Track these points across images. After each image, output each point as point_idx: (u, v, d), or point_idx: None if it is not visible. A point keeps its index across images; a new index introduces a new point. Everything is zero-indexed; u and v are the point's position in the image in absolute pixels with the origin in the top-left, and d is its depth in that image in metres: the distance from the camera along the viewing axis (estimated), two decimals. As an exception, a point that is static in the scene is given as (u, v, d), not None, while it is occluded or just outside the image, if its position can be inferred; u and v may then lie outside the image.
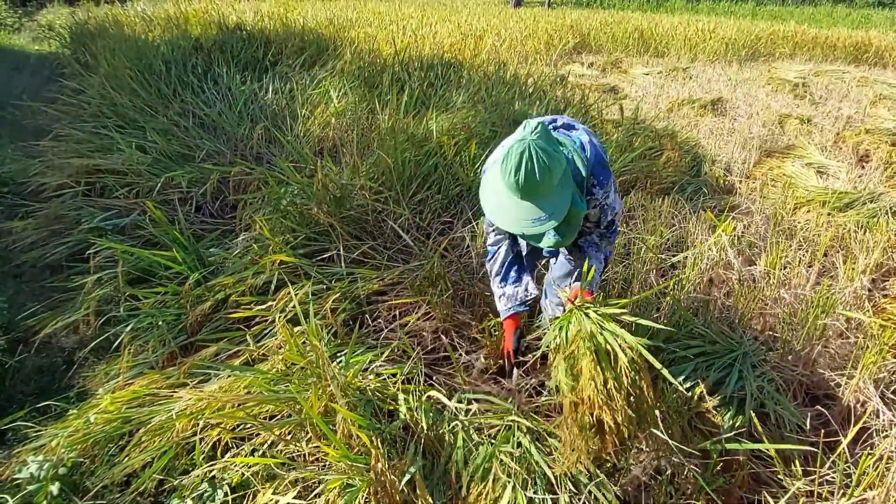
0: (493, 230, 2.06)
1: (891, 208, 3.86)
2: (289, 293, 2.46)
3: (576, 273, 2.07)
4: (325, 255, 2.85)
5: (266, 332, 2.42)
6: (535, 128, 1.56)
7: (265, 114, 4.45)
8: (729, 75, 9.08)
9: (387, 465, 1.53)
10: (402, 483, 1.53)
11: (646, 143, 4.50)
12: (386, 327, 2.50)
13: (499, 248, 2.08)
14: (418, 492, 1.55)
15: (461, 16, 10.87)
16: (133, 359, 2.37)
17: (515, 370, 2.14)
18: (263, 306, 2.48)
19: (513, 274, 2.08)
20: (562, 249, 2.15)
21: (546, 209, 1.57)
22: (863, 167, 5.11)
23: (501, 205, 1.61)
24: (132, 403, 2.07)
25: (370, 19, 8.31)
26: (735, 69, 9.88)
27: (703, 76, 8.93)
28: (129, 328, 2.45)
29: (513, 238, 2.10)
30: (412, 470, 1.58)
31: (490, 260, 2.10)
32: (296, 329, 2.10)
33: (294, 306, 2.36)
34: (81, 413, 2.00)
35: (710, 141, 5.37)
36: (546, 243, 1.78)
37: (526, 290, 2.06)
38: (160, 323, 2.45)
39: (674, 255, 2.99)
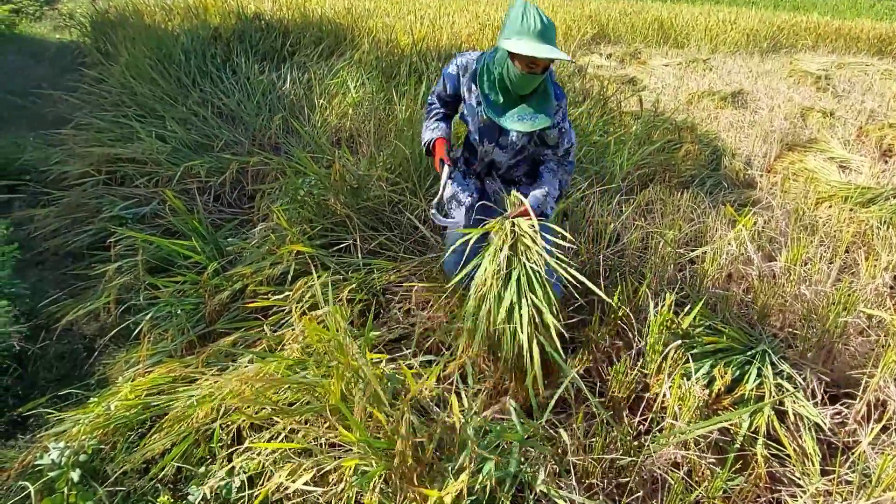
0: (431, 98, 2.34)
1: (915, 204, 3.79)
2: (306, 283, 2.47)
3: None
4: (341, 246, 2.87)
5: (283, 321, 2.44)
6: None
7: (283, 104, 4.46)
8: (750, 67, 8.94)
9: (408, 444, 1.53)
10: (430, 451, 1.55)
11: (665, 136, 4.46)
12: (402, 318, 2.51)
13: (432, 106, 2.34)
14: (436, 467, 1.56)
15: (479, 5, 10.78)
16: (152, 347, 2.40)
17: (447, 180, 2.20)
18: (281, 296, 2.50)
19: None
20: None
21: (557, 48, 1.86)
22: (886, 162, 5.01)
23: (537, 48, 1.84)
24: (152, 391, 2.10)
25: (388, 9, 8.27)
26: (756, 61, 9.73)
27: (724, 68, 8.80)
28: (148, 317, 2.48)
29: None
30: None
31: (427, 112, 2.35)
32: (315, 313, 2.12)
33: (312, 295, 2.39)
34: (102, 400, 2.03)
35: (730, 134, 5.30)
36: (535, 125, 2.01)
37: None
38: (179, 312, 2.48)
39: (692, 250, 2.96)
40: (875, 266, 3.05)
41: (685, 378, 2.02)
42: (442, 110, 2.34)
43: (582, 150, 3.83)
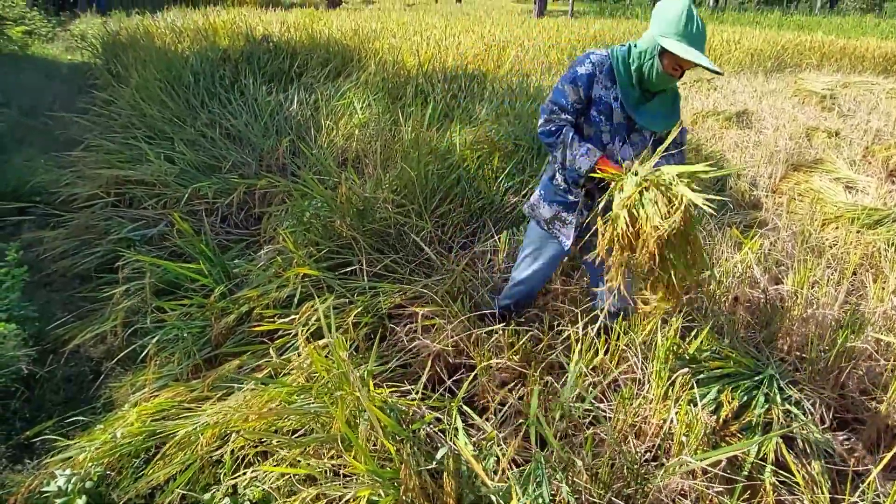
0: (554, 116, 2.10)
1: (923, 226, 3.78)
2: (312, 306, 2.48)
3: None
4: (347, 269, 2.87)
5: (289, 345, 2.44)
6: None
7: (290, 125, 4.51)
8: (754, 87, 8.97)
9: (415, 472, 1.53)
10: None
11: (670, 157, 4.46)
12: (408, 343, 2.50)
13: (563, 127, 2.09)
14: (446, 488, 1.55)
15: (484, 26, 10.90)
16: (159, 370, 2.41)
17: None
18: (286, 319, 2.50)
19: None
20: None
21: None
22: (893, 182, 5.00)
23: (698, 55, 1.83)
24: (157, 416, 2.10)
25: (394, 30, 8.39)
26: (761, 80, 9.76)
27: (728, 87, 8.83)
28: (155, 340, 2.49)
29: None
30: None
31: (555, 134, 2.09)
32: (319, 342, 2.12)
33: (317, 319, 2.38)
34: (108, 427, 2.03)
35: (735, 154, 5.31)
36: (668, 125, 2.04)
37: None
38: (186, 335, 2.49)
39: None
40: (883, 289, 3.03)
41: (692, 404, 2.01)
42: (573, 131, 2.09)
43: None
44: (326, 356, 2.05)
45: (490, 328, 2.39)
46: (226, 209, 3.56)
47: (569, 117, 2.08)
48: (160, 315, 2.62)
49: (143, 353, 2.48)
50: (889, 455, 1.87)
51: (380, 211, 3.17)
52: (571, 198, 2.22)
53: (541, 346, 2.38)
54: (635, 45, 2.00)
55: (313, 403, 1.86)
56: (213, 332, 2.50)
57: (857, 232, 3.68)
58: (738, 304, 2.87)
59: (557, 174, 2.24)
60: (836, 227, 3.84)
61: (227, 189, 3.64)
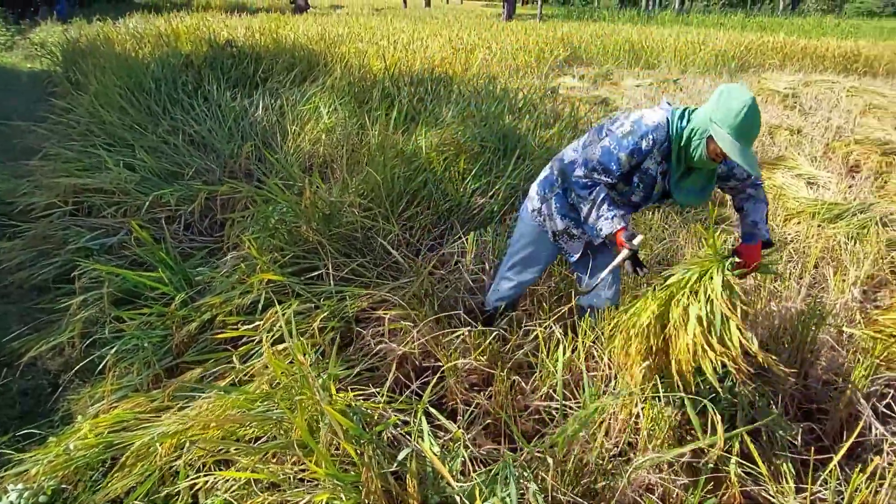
0: (596, 175, 2.07)
1: (881, 219, 3.87)
2: (276, 312, 2.43)
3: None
4: (313, 274, 2.83)
5: (253, 352, 2.40)
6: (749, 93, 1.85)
7: (255, 130, 4.46)
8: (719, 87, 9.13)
9: (377, 475, 1.50)
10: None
11: (636, 156, 4.51)
12: (375, 346, 2.47)
13: (598, 184, 2.08)
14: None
15: (452, 30, 10.95)
16: (118, 381, 2.34)
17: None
18: (250, 326, 2.46)
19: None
20: None
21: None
22: (853, 177, 5.13)
23: (749, 155, 1.85)
24: (116, 428, 2.04)
25: (361, 34, 8.36)
26: (725, 80, 9.95)
27: (694, 88, 8.99)
28: (113, 350, 2.43)
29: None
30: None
31: (589, 188, 2.07)
32: (281, 347, 2.08)
33: (280, 327, 2.34)
34: (62, 440, 1.96)
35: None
36: (702, 200, 2.13)
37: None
38: (145, 345, 2.43)
39: (664, 269, 2.98)
40: (844, 281, 3.09)
41: (658, 399, 2.02)
42: (606, 191, 2.08)
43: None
44: (290, 362, 2.02)
45: (456, 330, 2.38)
46: (189, 216, 3.50)
47: (609, 181, 2.07)
48: (119, 325, 2.56)
49: (102, 364, 2.41)
50: (849, 443, 1.90)
51: (346, 215, 3.14)
52: None
53: (508, 345, 2.37)
54: (689, 119, 1.97)
55: (276, 409, 1.82)
56: (173, 340, 2.44)
57: (819, 226, 3.76)
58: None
59: (573, 192, 2.23)
60: (798, 222, 3.92)
61: (190, 196, 3.57)
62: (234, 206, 3.51)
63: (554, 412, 2.17)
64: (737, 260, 2.03)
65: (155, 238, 3.01)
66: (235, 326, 2.48)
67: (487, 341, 2.31)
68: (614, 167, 2.03)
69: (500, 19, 21.64)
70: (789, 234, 3.69)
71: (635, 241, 2.00)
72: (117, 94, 4.69)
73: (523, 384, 2.28)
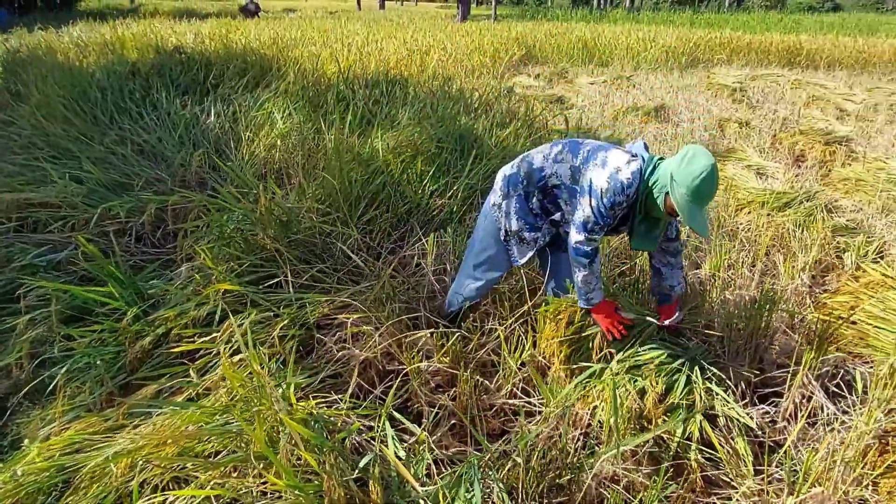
0: (594, 235, 2.15)
1: (826, 206, 4.02)
2: (235, 322, 2.38)
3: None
4: (272, 282, 2.78)
5: (211, 364, 2.34)
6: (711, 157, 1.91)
7: (207, 138, 4.36)
8: (670, 82, 9.36)
9: (339, 483, 1.48)
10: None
11: (592, 153, 4.57)
12: (337, 352, 2.44)
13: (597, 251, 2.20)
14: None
15: (407, 31, 10.93)
16: (69, 402, 2.26)
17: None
18: (207, 338, 2.40)
19: None
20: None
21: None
22: (799, 167, 5.30)
23: (703, 217, 1.94)
24: (68, 450, 1.96)
25: (315, 38, 8.26)
26: (676, 76, 10.19)
27: (646, 84, 9.18)
28: (64, 370, 2.33)
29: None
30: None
31: (591, 256, 2.15)
32: (238, 358, 2.03)
33: (242, 334, 2.29)
34: (9, 466, 1.88)
35: (655, 147, 5.50)
36: (652, 247, 2.22)
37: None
38: (98, 362, 2.34)
39: (622, 263, 3.02)
40: (793, 267, 3.19)
41: (618, 389, 2.04)
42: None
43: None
44: (249, 374, 1.98)
45: (418, 333, 2.37)
46: (140, 228, 3.39)
47: (603, 232, 2.18)
48: (69, 344, 2.46)
49: (52, 385, 2.32)
50: (800, 424, 1.96)
51: (304, 221, 3.10)
52: (539, 222, 2.30)
53: (470, 346, 2.37)
54: (656, 170, 2.03)
55: (234, 422, 1.78)
56: (127, 357, 2.36)
57: (768, 215, 3.87)
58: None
59: (535, 198, 2.28)
60: (749, 212, 4.03)
61: (140, 207, 3.46)
62: (187, 216, 3.42)
63: (519, 409, 2.18)
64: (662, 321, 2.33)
65: (104, 252, 2.91)
66: (191, 339, 2.42)
67: (450, 342, 2.30)
68: (608, 220, 2.10)
69: (455, 20, 21.73)
70: (741, 224, 3.79)
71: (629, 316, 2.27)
72: (61, 104, 4.52)
73: (487, 383, 2.28)
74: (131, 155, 4.05)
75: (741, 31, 17.04)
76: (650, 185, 2.01)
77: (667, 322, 2.32)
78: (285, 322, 2.48)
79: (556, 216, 2.29)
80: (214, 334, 2.40)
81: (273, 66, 5.66)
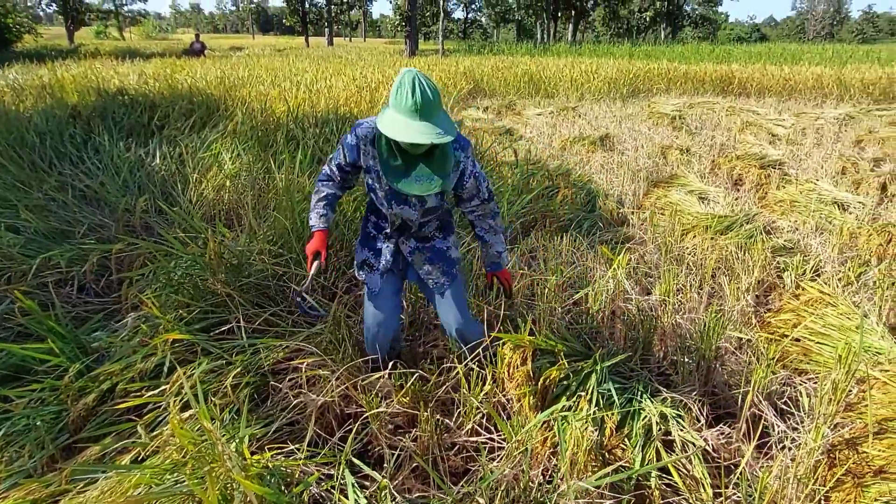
0: (329, 173, 2.18)
1: (764, 228, 4.19)
2: (185, 373, 2.30)
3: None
4: (224, 328, 2.71)
5: (160, 419, 2.25)
6: (410, 68, 1.81)
7: (153, 181, 4.26)
8: (614, 112, 9.69)
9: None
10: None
11: (542, 184, 4.67)
12: (294, 398, 2.38)
13: (328, 181, 2.19)
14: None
15: (356, 68, 11.02)
16: (7, 468, 2.12)
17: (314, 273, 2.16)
18: (156, 391, 2.31)
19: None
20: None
21: (442, 126, 1.78)
22: (738, 190, 5.54)
23: (407, 125, 1.77)
24: (3, 522, 1.84)
25: (263, 76, 8.24)
26: (619, 105, 10.57)
27: (591, 114, 9.48)
28: (1, 433, 2.20)
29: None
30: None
31: (318, 184, 2.20)
32: (187, 415, 1.96)
33: (192, 385, 2.21)
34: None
35: (601, 176, 5.66)
36: (430, 188, 1.98)
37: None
38: (37, 423, 2.22)
39: (576, 292, 3.07)
40: (738, 288, 3.31)
41: (578, 422, 2.05)
42: (332, 191, 2.19)
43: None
44: (200, 429, 1.91)
45: (374, 375, 2.34)
46: (82, 277, 3.26)
47: (331, 182, 2.19)
48: (6, 406, 2.32)
49: (-12, 451, 2.18)
50: (752, 446, 2.00)
51: (256, 264, 3.04)
52: (379, 244, 2.28)
53: (429, 384, 2.35)
54: None
55: (186, 483, 1.71)
56: (69, 416, 2.24)
57: (712, 238, 4.02)
58: (616, 317, 3.02)
59: (370, 223, 2.29)
60: (694, 236, 4.17)
61: (83, 256, 3.34)
62: (132, 263, 3.31)
63: (481, 446, 2.16)
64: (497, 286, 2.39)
65: (44, 305, 2.79)
66: (139, 394, 2.32)
67: (409, 382, 2.28)
68: (337, 157, 2.13)
69: (404, 55, 22.06)
70: (687, 248, 3.91)
71: (315, 265, 2.16)
72: (-5, 151, 4.36)
73: (448, 422, 2.26)
74: (72, 201, 3.92)
75: (677, 61, 17.87)
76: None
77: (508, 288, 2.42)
78: (238, 370, 2.41)
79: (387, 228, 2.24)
80: (164, 387, 2.31)
81: (220, 106, 5.60)
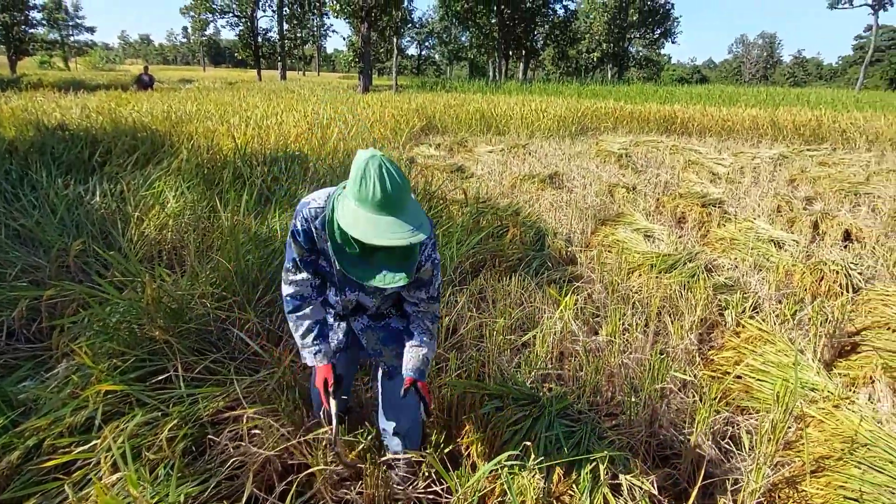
0: (294, 281, 1.90)
1: (706, 266, 4.33)
2: (116, 427, 2.19)
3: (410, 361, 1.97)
4: (161, 377, 2.60)
5: (90, 477, 2.12)
6: (372, 152, 1.53)
7: (92, 219, 4.10)
8: (563, 149, 9.95)
9: None
10: None
11: (492, 223, 4.72)
12: (234, 451, 2.29)
13: (303, 303, 1.93)
14: None
15: (308, 104, 11.02)
16: (-87, 538, 1.96)
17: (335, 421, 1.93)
18: (86, 447, 2.18)
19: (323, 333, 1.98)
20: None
21: (413, 221, 1.52)
22: (681, 228, 5.73)
23: (375, 223, 1.49)
24: None
25: (212, 111, 8.13)
26: (568, 143, 10.86)
27: (541, 151, 9.70)
28: None
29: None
30: None
31: (294, 311, 1.93)
32: (118, 476, 1.85)
33: (120, 444, 2.10)
34: None
35: (551, 214, 5.76)
36: (392, 282, 1.63)
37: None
38: (-48, 487, 2.06)
39: (524, 334, 3.09)
40: (682, 327, 3.38)
41: (524, 471, 2.04)
42: (312, 310, 1.94)
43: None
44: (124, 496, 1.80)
45: (319, 431, 2.26)
46: (11, 323, 3.09)
47: (303, 284, 1.91)
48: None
49: None
50: (696, 488, 2.02)
51: (197, 308, 2.95)
52: (330, 320, 2.09)
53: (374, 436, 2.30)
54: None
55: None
56: (-12, 477, 2.09)
57: (657, 277, 4.12)
58: (564, 358, 3.04)
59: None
60: (640, 275, 4.27)
61: (13, 300, 3.17)
62: (65, 309, 3.16)
63: (428, 501, 2.12)
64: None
65: (-35, 355, 2.62)
66: (68, 449, 2.19)
67: (358, 438, 2.23)
68: (292, 253, 1.86)
69: (357, 91, 22.22)
70: (633, 287, 4.00)
71: (334, 405, 1.93)
72: (-80, 188, 4.14)
73: (394, 475, 2.21)
74: (5, 241, 3.73)
75: (623, 101, 18.59)
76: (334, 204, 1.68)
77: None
78: (175, 421, 2.31)
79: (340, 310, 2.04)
80: (95, 441, 2.19)
81: (166, 142, 5.48)
